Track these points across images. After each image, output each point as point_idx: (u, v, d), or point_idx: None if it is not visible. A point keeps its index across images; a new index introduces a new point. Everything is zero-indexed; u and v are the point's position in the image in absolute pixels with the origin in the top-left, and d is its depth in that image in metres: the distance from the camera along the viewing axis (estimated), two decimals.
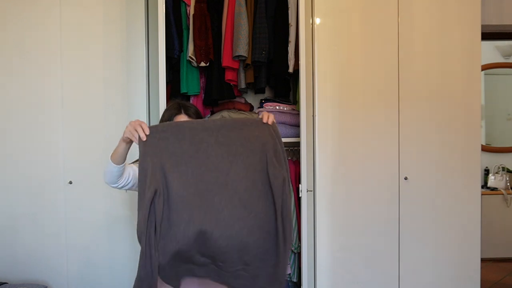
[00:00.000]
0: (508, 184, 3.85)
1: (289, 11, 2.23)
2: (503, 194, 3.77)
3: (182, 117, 1.49)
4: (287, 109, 2.35)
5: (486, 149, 4.07)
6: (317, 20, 2.16)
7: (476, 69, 2.21)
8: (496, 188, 3.86)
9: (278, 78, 2.36)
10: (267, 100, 2.38)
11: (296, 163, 2.34)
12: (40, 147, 2.29)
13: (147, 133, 1.31)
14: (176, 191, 1.28)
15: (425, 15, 2.19)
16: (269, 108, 2.35)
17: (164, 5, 2.02)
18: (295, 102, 2.41)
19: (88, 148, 2.29)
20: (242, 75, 2.28)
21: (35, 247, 2.29)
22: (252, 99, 2.58)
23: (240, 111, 2.35)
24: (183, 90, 2.26)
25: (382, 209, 2.19)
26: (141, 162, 1.31)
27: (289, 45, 2.21)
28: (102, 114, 2.30)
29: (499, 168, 3.97)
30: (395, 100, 2.18)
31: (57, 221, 2.29)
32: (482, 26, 2.22)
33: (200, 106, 2.37)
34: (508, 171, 3.96)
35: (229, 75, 2.24)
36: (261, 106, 2.38)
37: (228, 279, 1.33)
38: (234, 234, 1.26)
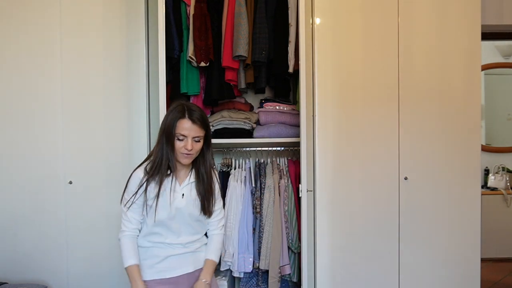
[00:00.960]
0: (508, 184, 3.85)
1: (289, 11, 2.23)
2: (503, 194, 3.78)
3: (186, 122, 1.48)
4: (287, 109, 2.35)
5: (486, 149, 4.07)
6: (317, 20, 2.16)
7: (476, 69, 2.21)
8: (496, 188, 3.86)
9: (278, 78, 2.36)
10: (267, 100, 2.38)
11: (296, 163, 2.34)
12: (40, 147, 2.28)
13: None
14: None
15: (425, 15, 2.19)
16: (269, 108, 2.35)
17: (164, 5, 2.02)
18: (295, 102, 2.41)
19: (88, 148, 2.29)
20: (242, 75, 2.28)
21: (35, 247, 2.29)
22: (252, 99, 2.58)
23: (240, 111, 2.35)
24: (183, 90, 2.27)
25: (382, 209, 2.19)
26: None
27: (289, 45, 2.21)
28: (102, 114, 2.30)
29: (499, 168, 3.97)
30: (395, 100, 2.18)
31: (57, 221, 2.29)
32: (482, 26, 2.22)
33: (200, 106, 2.36)
34: (508, 171, 3.96)
35: (229, 75, 2.25)
36: (261, 106, 2.38)
37: None
38: None
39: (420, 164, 2.19)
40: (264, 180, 2.25)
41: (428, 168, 2.20)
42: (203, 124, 1.52)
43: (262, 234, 2.19)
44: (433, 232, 2.20)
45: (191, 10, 2.23)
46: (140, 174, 1.52)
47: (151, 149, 2.32)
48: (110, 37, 2.30)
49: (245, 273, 2.23)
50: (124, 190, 1.55)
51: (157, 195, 1.49)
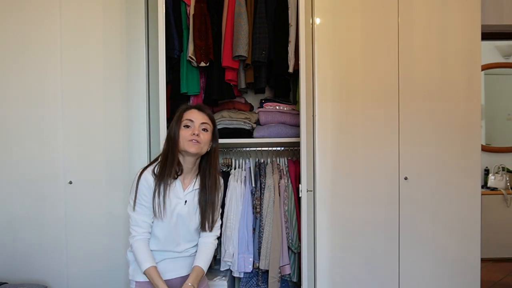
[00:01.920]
0: (508, 184, 3.85)
1: (289, 11, 2.23)
2: (503, 194, 3.78)
3: (193, 111, 1.54)
4: (287, 109, 2.35)
5: (486, 149, 4.07)
6: (317, 20, 2.16)
7: (476, 69, 2.21)
8: (496, 188, 3.86)
9: (278, 78, 2.36)
10: (267, 100, 2.38)
11: (296, 163, 2.34)
12: (40, 147, 2.28)
13: None
14: None
15: (425, 15, 2.19)
16: (269, 108, 2.35)
17: (164, 5, 2.02)
18: (295, 102, 2.41)
19: (88, 148, 2.29)
20: (242, 75, 2.28)
21: (35, 247, 2.29)
22: (252, 99, 2.58)
23: (240, 111, 2.36)
24: (183, 90, 2.27)
25: (382, 209, 2.19)
26: None
27: (289, 45, 2.21)
28: (102, 114, 2.30)
29: (499, 168, 3.97)
30: (395, 100, 2.18)
31: (57, 221, 2.29)
32: (482, 26, 2.22)
33: None
34: (508, 171, 3.96)
35: (229, 75, 2.25)
36: (261, 106, 2.38)
37: None
38: None
39: (420, 164, 2.19)
40: (264, 180, 2.25)
41: (428, 168, 2.20)
42: (210, 117, 1.55)
43: (262, 234, 2.19)
44: (433, 232, 2.20)
45: (191, 10, 2.23)
46: (148, 177, 1.51)
47: (151, 149, 2.35)
48: (110, 37, 2.30)
49: (245, 273, 2.22)
50: (135, 195, 1.52)
51: (163, 200, 1.49)
